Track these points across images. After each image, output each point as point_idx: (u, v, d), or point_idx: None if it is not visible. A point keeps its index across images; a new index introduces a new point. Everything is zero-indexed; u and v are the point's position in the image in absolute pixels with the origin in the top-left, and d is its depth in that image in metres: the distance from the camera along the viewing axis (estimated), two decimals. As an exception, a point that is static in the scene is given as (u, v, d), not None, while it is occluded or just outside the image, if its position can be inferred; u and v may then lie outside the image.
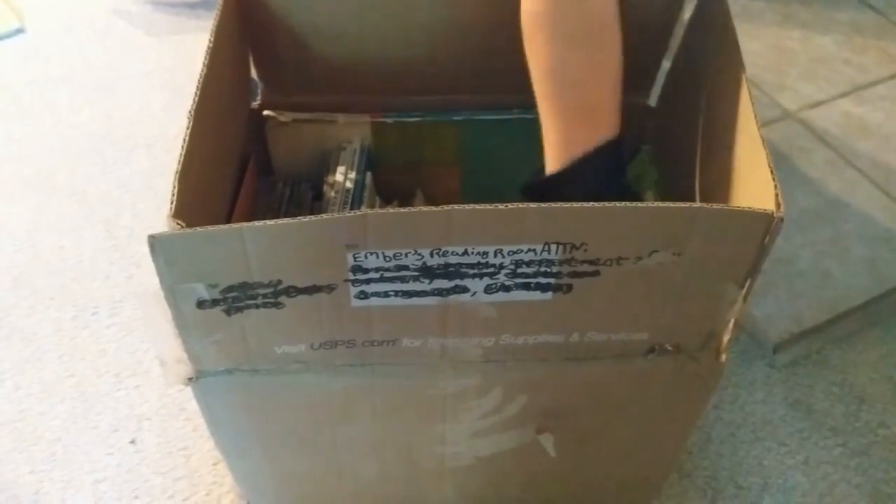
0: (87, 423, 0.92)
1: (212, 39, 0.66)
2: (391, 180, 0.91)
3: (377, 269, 0.54)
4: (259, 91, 0.85)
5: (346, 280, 0.55)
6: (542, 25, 0.67)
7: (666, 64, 0.84)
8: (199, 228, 0.52)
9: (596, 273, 0.56)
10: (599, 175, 0.70)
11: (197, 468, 0.89)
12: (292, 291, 0.55)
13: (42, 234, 1.12)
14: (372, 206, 0.86)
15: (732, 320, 0.60)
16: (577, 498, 0.83)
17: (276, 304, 0.56)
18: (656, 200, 0.84)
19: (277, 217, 0.81)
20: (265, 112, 0.86)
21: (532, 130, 0.71)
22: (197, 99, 0.61)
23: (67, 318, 1.02)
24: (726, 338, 0.61)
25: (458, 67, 0.83)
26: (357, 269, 0.54)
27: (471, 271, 0.55)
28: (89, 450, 0.90)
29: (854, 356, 0.99)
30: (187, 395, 0.92)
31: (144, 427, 0.92)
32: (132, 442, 0.91)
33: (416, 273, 0.55)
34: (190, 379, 0.62)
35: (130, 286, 1.06)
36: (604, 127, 0.68)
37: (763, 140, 0.58)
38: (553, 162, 0.70)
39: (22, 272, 1.08)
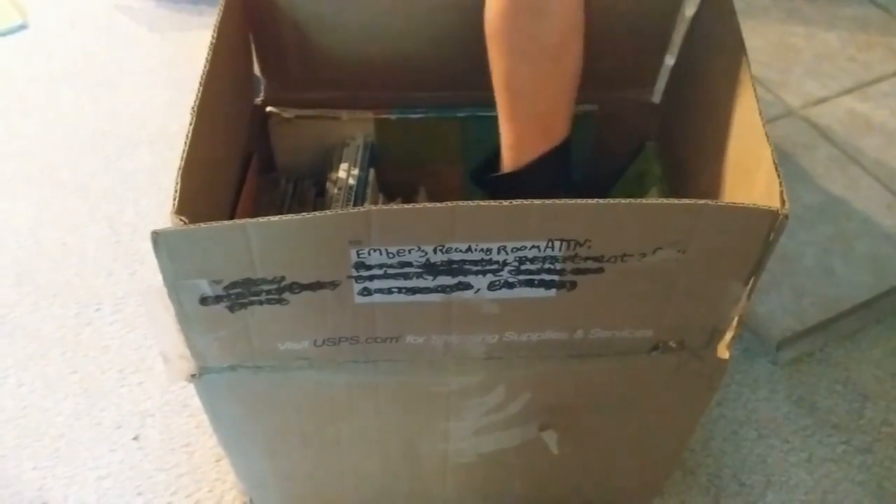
0: (91, 419, 0.93)
1: (214, 35, 0.66)
2: (394, 177, 0.90)
3: (380, 266, 0.54)
4: (262, 87, 0.85)
5: (350, 277, 0.55)
6: (498, 40, 0.71)
7: (670, 60, 0.83)
8: (202, 225, 0.52)
9: (600, 270, 0.56)
10: (547, 176, 0.75)
11: (200, 465, 0.89)
12: (296, 288, 0.55)
13: (45, 231, 1.13)
14: (375, 202, 0.86)
15: (736, 318, 0.60)
16: (580, 495, 0.83)
17: (280, 301, 0.56)
18: (660, 197, 0.84)
19: (280, 213, 0.80)
20: (268, 108, 0.86)
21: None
22: (199, 95, 0.61)
23: (71, 314, 1.03)
24: (730, 335, 0.61)
25: (462, 63, 0.83)
26: (360, 265, 0.54)
27: (474, 268, 0.55)
28: (93, 446, 0.90)
29: (858, 354, 0.99)
30: (190, 392, 0.92)
31: (147, 423, 0.92)
32: (135, 438, 0.91)
33: (419, 270, 0.55)
34: (193, 375, 0.62)
35: (133, 282, 1.06)
36: (553, 133, 0.73)
37: (767, 137, 0.58)
38: (508, 161, 0.75)
39: (25, 269, 1.08)
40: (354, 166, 0.85)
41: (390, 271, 0.55)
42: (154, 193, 1.17)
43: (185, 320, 0.57)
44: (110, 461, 0.89)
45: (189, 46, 1.42)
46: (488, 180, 0.77)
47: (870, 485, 0.87)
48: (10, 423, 0.92)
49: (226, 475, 0.88)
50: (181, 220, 0.53)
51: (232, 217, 0.74)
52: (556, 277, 0.56)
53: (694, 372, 0.64)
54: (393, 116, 0.87)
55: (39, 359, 0.98)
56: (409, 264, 0.54)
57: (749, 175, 0.61)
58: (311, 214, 0.51)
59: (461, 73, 0.83)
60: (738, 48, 0.66)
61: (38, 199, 1.17)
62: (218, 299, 0.55)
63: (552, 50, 0.70)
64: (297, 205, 0.86)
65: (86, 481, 0.87)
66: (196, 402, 0.67)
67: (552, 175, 0.75)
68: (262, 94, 0.85)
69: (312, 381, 0.64)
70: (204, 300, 0.55)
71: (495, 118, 0.87)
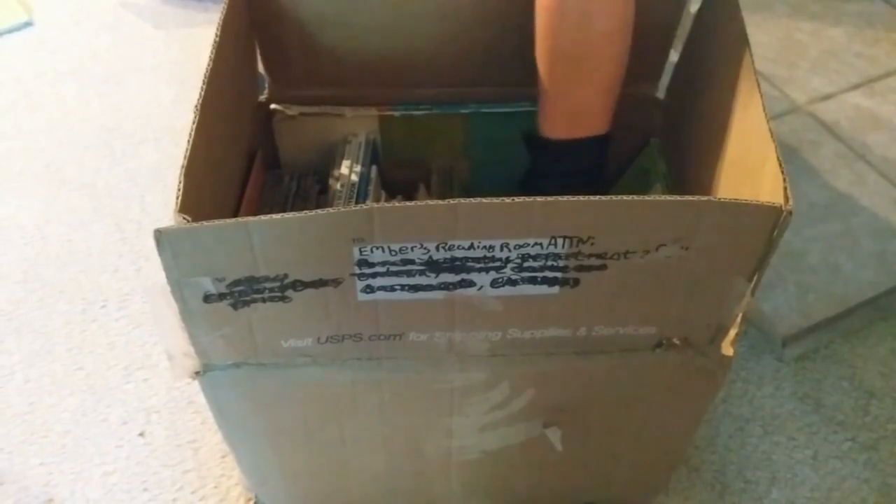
0: (97, 415, 0.93)
1: (218, 33, 0.66)
2: (398, 174, 0.90)
3: (383, 264, 0.54)
4: (266, 84, 0.85)
5: (353, 274, 0.55)
6: (543, 38, 0.73)
7: (674, 56, 0.83)
8: (205, 223, 0.52)
9: (603, 267, 0.55)
10: (580, 157, 0.78)
11: (205, 461, 0.89)
12: (299, 285, 0.55)
13: (51, 227, 1.13)
14: (377, 199, 0.86)
15: (741, 314, 0.60)
16: (584, 492, 0.83)
17: (283, 298, 0.56)
18: (664, 193, 0.84)
19: (284, 210, 0.81)
20: (272, 106, 0.86)
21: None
22: (203, 93, 0.61)
23: (77, 311, 1.03)
24: (734, 332, 0.61)
25: (466, 59, 0.82)
26: (363, 262, 0.54)
27: (477, 265, 0.55)
28: (99, 442, 0.91)
29: (863, 350, 0.99)
30: (196, 388, 0.92)
31: (153, 420, 0.92)
32: (141, 434, 0.91)
33: (422, 267, 0.55)
34: (197, 373, 0.62)
35: (139, 279, 1.06)
36: (583, 128, 0.76)
37: (772, 133, 0.58)
38: (556, 122, 0.77)
39: (32, 265, 1.08)
40: (357, 163, 0.85)
41: (393, 269, 0.55)
42: (159, 190, 1.18)
43: (188, 318, 0.57)
44: (116, 457, 0.89)
45: (194, 43, 1.42)
46: (535, 140, 0.80)
47: (875, 482, 0.87)
48: (17, 419, 0.93)
49: (231, 471, 0.88)
50: (184, 218, 0.53)
51: (236, 214, 0.74)
52: (559, 275, 0.56)
53: (698, 369, 0.64)
54: (397, 113, 0.87)
55: (46, 355, 0.98)
56: (412, 262, 0.54)
57: (753, 171, 0.61)
58: (314, 212, 0.51)
59: (465, 70, 0.83)
60: (742, 44, 0.66)
61: (43, 195, 1.17)
62: (221, 297, 0.55)
63: (593, 55, 0.71)
64: (301, 201, 0.86)
65: (92, 477, 0.88)
66: (201, 399, 0.67)
67: (583, 158, 0.78)
68: (265, 91, 0.86)
69: (316, 378, 0.64)
70: (207, 298, 0.55)
71: (500, 114, 0.87)
